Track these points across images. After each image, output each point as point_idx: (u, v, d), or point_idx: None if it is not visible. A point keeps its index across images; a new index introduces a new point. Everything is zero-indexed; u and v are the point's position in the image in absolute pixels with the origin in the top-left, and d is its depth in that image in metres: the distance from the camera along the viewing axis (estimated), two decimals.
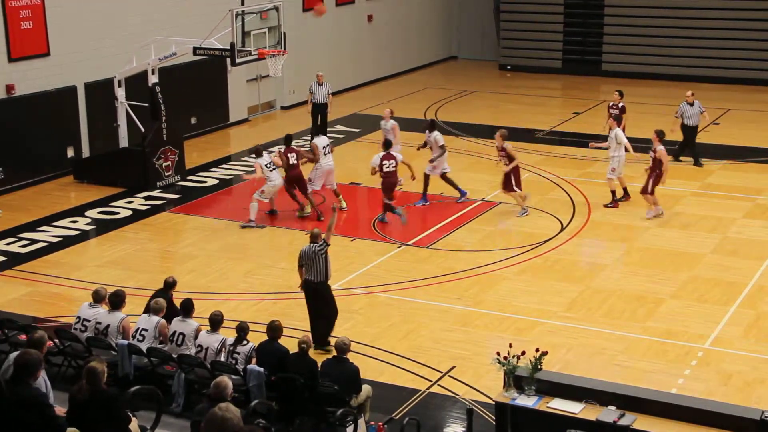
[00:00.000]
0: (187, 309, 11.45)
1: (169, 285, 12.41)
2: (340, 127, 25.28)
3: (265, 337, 10.97)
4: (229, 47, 18.87)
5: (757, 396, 11.66)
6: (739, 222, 17.81)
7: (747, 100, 27.85)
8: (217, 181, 20.80)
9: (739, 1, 30.11)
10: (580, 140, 23.72)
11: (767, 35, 29.55)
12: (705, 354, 12.87)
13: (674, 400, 10.12)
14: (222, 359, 10.89)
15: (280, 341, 10.89)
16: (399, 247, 16.78)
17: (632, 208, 18.68)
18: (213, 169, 21.65)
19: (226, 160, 22.55)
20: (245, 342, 10.90)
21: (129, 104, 20.36)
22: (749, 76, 29.59)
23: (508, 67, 32.92)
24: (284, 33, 20.15)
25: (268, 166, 17.89)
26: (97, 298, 11.70)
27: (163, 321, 11.46)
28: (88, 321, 11.51)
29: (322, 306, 12.86)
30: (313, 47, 27.80)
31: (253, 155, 18.33)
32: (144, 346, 11.18)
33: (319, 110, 23.17)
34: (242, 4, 23.42)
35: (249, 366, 10.59)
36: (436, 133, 18.98)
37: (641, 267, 15.84)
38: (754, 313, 14.02)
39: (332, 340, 12.22)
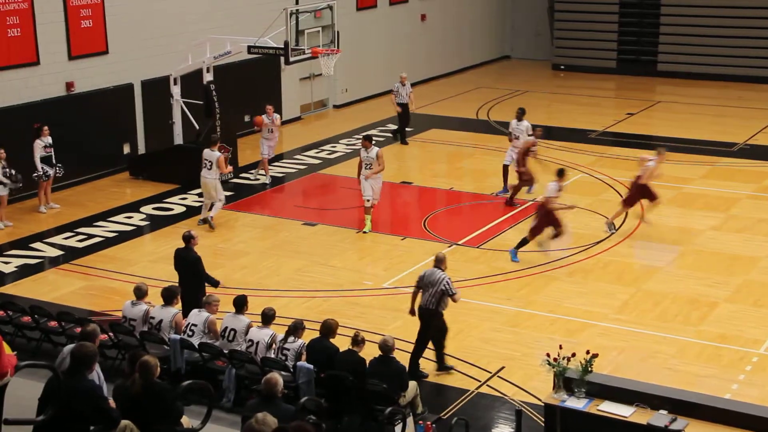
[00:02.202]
0: (239, 305, 11.56)
1: (187, 238, 13.04)
2: (392, 126, 25.28)
3: (315, 335, 11.04)
4: (283, 46, 18.99)
5: None
6: None
7: None
8: (269, 179, 20.93)
9: None
10: (634, 141, 23.49)
11: None
12: (760, 359, 12.67)
13: (728, 406, 9.98)
14: (272, 355, 10.98)
15: (332, 340, 10.94)
16: (449, 247, 16.76)
17: (687, 210, 18.44)
18: None
19: (279, 158, 22.68)
20: (294, 339, 10.97)
21: (184, 102, 20.60)
22: None
23: (562, 67, 32.69)
24: (338, 32, 20.24)
25: None
26: (139, 294, 11.84)
27: (213, 317, 11.57)
28: (134, 320, 11.67)
29: (428, 331, 12.19)
30: (366, 46, 27.87)
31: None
32: (195, 341, 11.31)
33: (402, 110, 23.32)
34: (297, 2, 23.58)
35: (299, 363, 10.67)
36: (525, 122, 19.24)
37: (695, 270, 15.64)
38: None
39: (448, 359, 12.30)
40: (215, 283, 13.16)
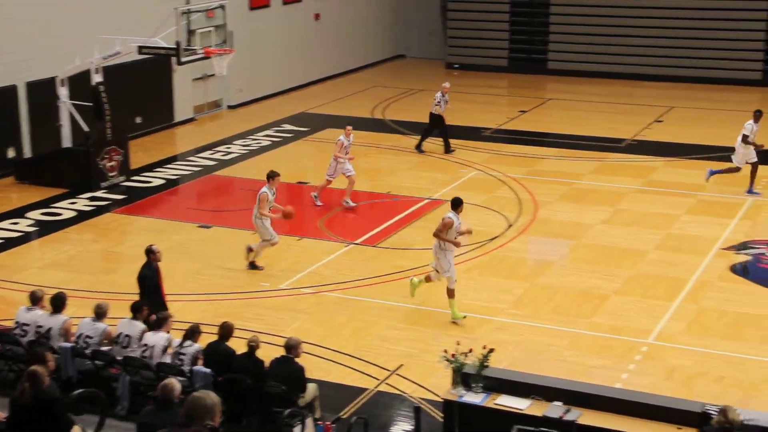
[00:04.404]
0: (136, 310, 11.31)
1: (147, 252, 12.58)
2: (287, 126, 25.19)
3: (212, 338, 10.89)
4: (174, 46, 18.69)
5: (698, 389, 11.84)
6: (682, 218, 18.08)
7: (690, 97, 28.28)
8: (163, 181, 20.59)
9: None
10: (527, 138, 23.93)
11: (709, 34, 30.02)
12: (649, 349, 13.04)
13: (618, 395, 10.27)
14: (168, 360, 10.79)
15: (229, 343, 10.82)
16: (346, 246, 16.76)
17: (579, 205, 18.87)
18: (158, 169, 21.43)
19: (172, 159, 22.34)
20: (191, 343, 10.80)
21: (72, 104, 20.07)
22: (692, 74, 30.03)
23: (456, 66, 33.07)
24: (231, 31, 20.03)
25: None
26: (34, 299, 11.48)
27: (109, 328, 11.28)
28: (27, 325, 11.31)
29: None
30: (260, 46, 27.66)
31: None
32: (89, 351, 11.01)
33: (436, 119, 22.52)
34: (187, 2, 23.21)
35: (195, 367, 10.50)
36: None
37: (587, 263, 16.01)
38: (696, 308, 14.25)
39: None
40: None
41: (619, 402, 9.89)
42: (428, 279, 14.21)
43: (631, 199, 19.23)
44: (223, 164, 21.87)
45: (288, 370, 10.49)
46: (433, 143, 22.84)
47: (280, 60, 28.75)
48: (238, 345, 10.86)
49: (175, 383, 8.40)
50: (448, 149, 22.39)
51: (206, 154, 22.70)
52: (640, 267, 15.81)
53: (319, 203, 18.83)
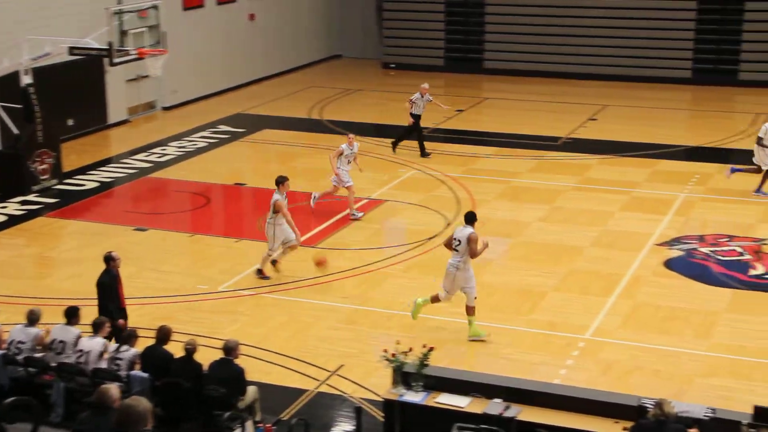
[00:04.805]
0: (70, 315, 11.09)
1: (107, 259, 12.22)
2: (223, 127, 24.97)
3: (150, 342, 10.74)
4: (106, 47, 18.40)
5: (635, 383, 12.01)
6: (617, 215, 18.33)
7: (623, 96, 28.70)
8: (97, 184, 20.26)
9: None
10: (465, 137, 24.05)
11: (641, 33, 30.48)
12: (586, 344, 13.19)
13: (557, 391, 10.37)
14: (104, 365, 10.61)
15: (167, 346, 10.67)
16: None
17: (516, 203, 19.02)
18: (92, 172, 21.08)
19: (106, 162, 22.00)
20: (127, 348, 10.64)
21: (1, 106, 19.62)
22: (625, 73, 30.49)
23: (392, 66, 33.11)
24: (164, 32, 19.78)
25: None
26: None
27: (42, 333, 11.05)
28: None
29: None
30: (194, 46, 27.36)
31: None
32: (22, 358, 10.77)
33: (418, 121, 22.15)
34: (119, 2, 22.86)
35: (132, 372, 10.35)
36: None
37: (525, 261, 16.14)
38: (632, 303, 14.45)
39: None
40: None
41: (557, 397, 9.99)
42: (435, 299, 13.48)
43: (568, 197, 19.44)
44: (158, 166, 21.60)
45: (227, 372, 10.39)
46: (370, 143, 22.84)
47: (215, 61, 28.49)
48: (176, 349, 10.72)
49: (111, 389, 8.24)
50: (423, 153, 21.97)
51: (141, 156, 22.39)
52: (577, 264, 15.98)
53: (313, 205, 18.20)
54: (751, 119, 25.41)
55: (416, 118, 22.02)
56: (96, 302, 12.17)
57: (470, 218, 13.37)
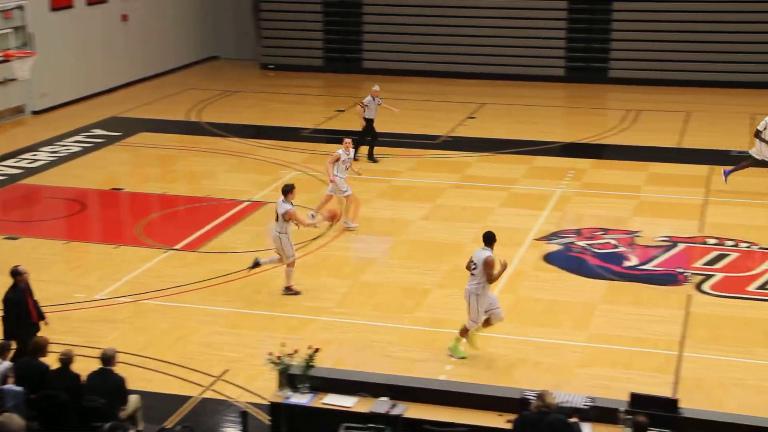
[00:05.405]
0: None
1: (15, 273, 11.71)
2: (98, 131, 24.32)
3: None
4: None
5: (517, 376, 12.23)
6: (497, 211, 18.64)
7: (499, 94, 29.22)
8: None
9: None
10: (345, 137, 24.01)
11: (515, 32, 31.11)
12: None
13: (442, 387, 10.50)
14: None
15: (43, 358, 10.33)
16: (165, 252, 16.34)
17: (397, 202, 19.13)
18: None
19: None
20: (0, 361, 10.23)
21: None
22: (501, 72, 31.04)
23: (270, 66, 32.89)
24: (32, 33, 19.13)
25: None
26: None
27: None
28: None
29: None
30: (64, 48, 26.55)
31: None
32: None
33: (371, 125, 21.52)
34: None
35: (5, 386, 9.96)
36: None
37: (408, 259, 16.25)
38: (514, 297, 14.71)
39: None
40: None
41: (442, 393, 10.10)
42: (487, 323, 12.74)
43: (449, 195, 19.66)
44: (29, 172, 20.86)
45: (107, 382, 10.13)
46: (250, 144, 22.62)
47: (86, 63, 27.70)
48: (52, 360, 10.36)
49: None
50: (371, 156, 21.60)
51: (10, 162, 21.59)
52: (460, 260, 16.09)
53: (353, 225, 17.47)
54: (622, 116, 26.26)
55: (369, 122, 21.50)
56: None
57: (488, 239, 12.49)
